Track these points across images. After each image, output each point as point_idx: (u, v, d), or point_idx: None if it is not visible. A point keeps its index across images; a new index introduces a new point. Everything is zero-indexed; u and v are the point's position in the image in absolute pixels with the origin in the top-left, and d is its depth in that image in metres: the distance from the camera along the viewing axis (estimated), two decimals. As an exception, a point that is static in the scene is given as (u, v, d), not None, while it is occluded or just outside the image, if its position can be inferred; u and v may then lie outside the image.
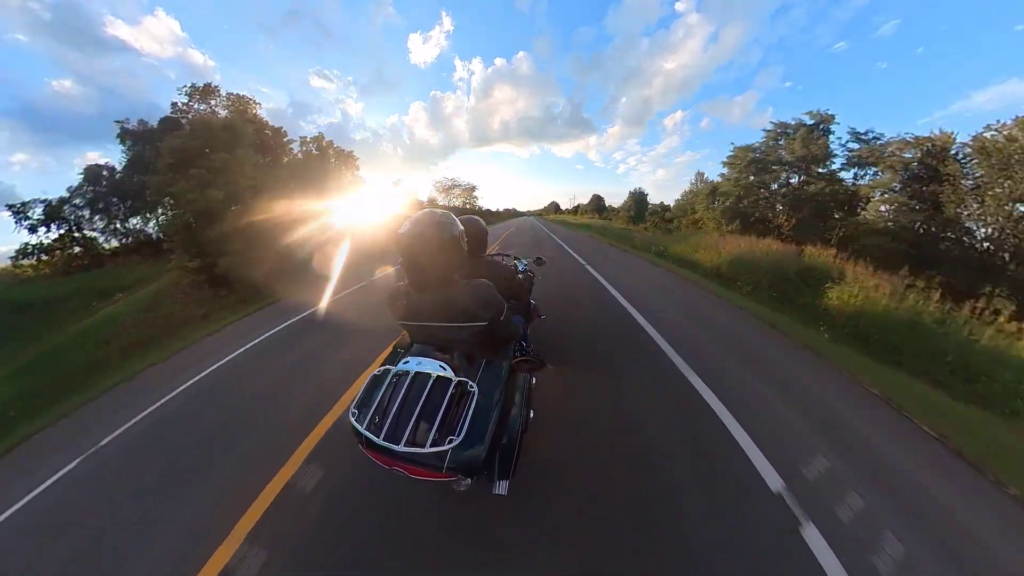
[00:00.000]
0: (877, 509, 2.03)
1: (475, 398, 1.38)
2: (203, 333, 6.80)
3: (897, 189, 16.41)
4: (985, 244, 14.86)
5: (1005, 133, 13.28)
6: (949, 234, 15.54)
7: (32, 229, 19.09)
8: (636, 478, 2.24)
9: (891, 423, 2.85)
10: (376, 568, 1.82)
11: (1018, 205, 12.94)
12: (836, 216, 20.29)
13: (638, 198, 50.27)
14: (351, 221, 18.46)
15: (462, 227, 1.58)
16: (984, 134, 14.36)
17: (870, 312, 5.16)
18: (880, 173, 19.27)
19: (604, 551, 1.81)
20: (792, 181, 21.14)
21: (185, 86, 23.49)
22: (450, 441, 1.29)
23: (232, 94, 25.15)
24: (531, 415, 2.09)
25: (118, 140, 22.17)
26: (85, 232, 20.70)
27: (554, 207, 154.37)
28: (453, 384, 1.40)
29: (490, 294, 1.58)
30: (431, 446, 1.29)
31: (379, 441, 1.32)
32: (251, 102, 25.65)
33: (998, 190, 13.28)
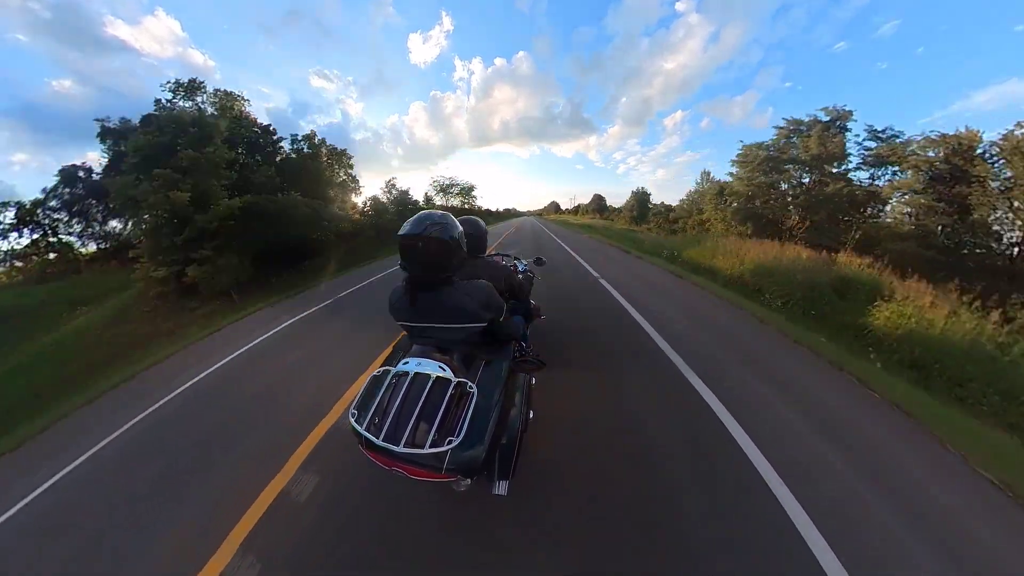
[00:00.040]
0: None
1: (474, 399, 1.37)
2: (164, 353, 6.03)
3: (921, 190, 15.30)
4: (1015, 249, 13.83)
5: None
6: (979, 239, 14.48)
7: (2, 234, 18.10)
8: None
9: (998, 508, 2.02)
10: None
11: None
12: (850, 218, 19.23)
13: (641, 198, 49.17)
14: (345, 222, 17.38)
15: (461, 228, 1.61)
16: (1016, 132, 13.33)
17: (924, 335, 4.37)
18: (899, 173, 18.22)
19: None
20: (804, 181, 20.07)
21: (169, 82, 22.45)
22: (449, 442, 1.28)
23: (219, 90, 24.10)
24: (531, 415, 2.13)
25: (98, 139, 21.19)
26: (61, 237, 19.69)
27: (554, 207, 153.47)
28: (453, 385, 1.38)
29: (489, 295, 1.64)
30: (430, 447, 1.28)
31: (378, 442, 1.31)
32: (239, 99, 24.57)
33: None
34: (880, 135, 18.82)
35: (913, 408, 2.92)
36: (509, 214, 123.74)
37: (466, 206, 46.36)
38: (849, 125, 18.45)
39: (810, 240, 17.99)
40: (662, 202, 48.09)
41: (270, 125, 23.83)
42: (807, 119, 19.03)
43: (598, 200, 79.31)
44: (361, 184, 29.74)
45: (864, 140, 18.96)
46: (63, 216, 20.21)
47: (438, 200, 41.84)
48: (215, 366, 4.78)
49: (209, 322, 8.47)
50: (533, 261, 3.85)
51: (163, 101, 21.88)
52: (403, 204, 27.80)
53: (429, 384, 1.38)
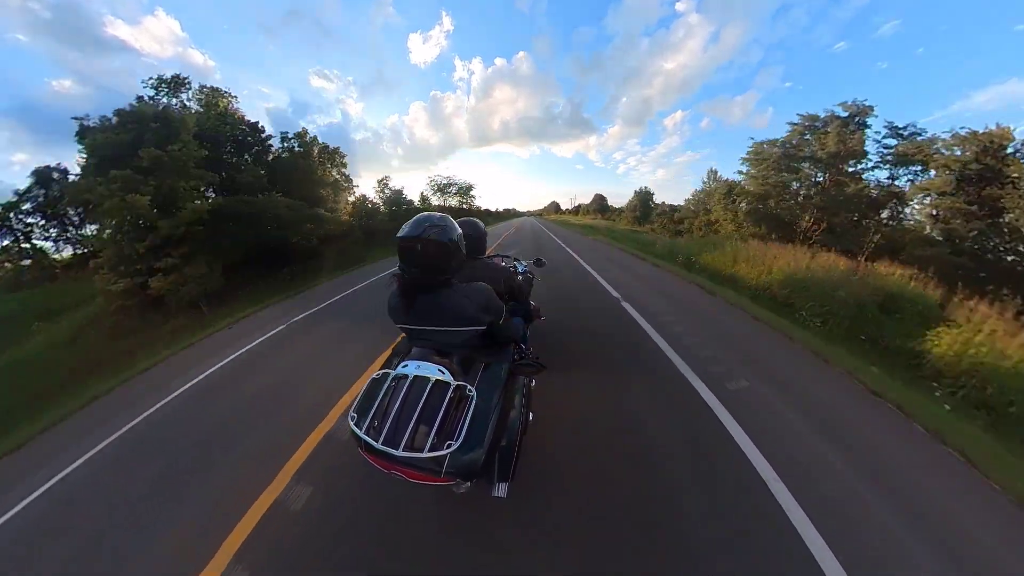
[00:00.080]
0: None
1: (474, 402, 1.36)
2: (117, 380, 5.34)
3: (952, 192, 14.21)
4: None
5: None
6: (1011, 244, 13.41)
7: (-29, 240, 17.11)
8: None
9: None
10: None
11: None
12: (868, 221, 18.15)
13: (644, 197, 48.05)
14: (331, 224, 16.29)
15: (460, 230, 1.59)
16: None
17: (994, 368, 3.59)
18: (922, 173, 17.15)
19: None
20: (818, 180, 18.99)
21: (151, 78, 21.42)
22: (448, 445, 1.27)
23: (205, 86, 23.07)
24: (530, 417, 2.12)
25: (76, 139, 20.14)
26: (35, 242, 18.69)
27: (554, 207, 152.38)
28: (452, 388, 1.38)
29: (489, 297, 1.63)
30: (429, 450, 1.27)
31: (378, 445, 1.30)
32: (226, 95, 23.53)
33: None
34: (901, 132, 17.75)
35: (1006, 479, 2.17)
36: (509, 214, 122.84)
37: (464, 206, 45.28)
38: (868, 121, 17.35)
39: (826, 244, 16.98)
40: (663, 202, 47.13)
41: (258, 122, 22.77)
42: (824, 115, 17.95)
43: (599, 200, 78.05)
44: (356, 184, 28.79)
45: (884, 137, 17.91)
46: (37, 220, 19.17)
47: (435, 200, 40.75)
48: (153, 407, 3.99)
49: (174, 339, 7.71)
50: (533, 262, 3.81)
51: (146, 98, 20.91)
52: (397, 204, 26.77)
53: (428, 387, 1.37)
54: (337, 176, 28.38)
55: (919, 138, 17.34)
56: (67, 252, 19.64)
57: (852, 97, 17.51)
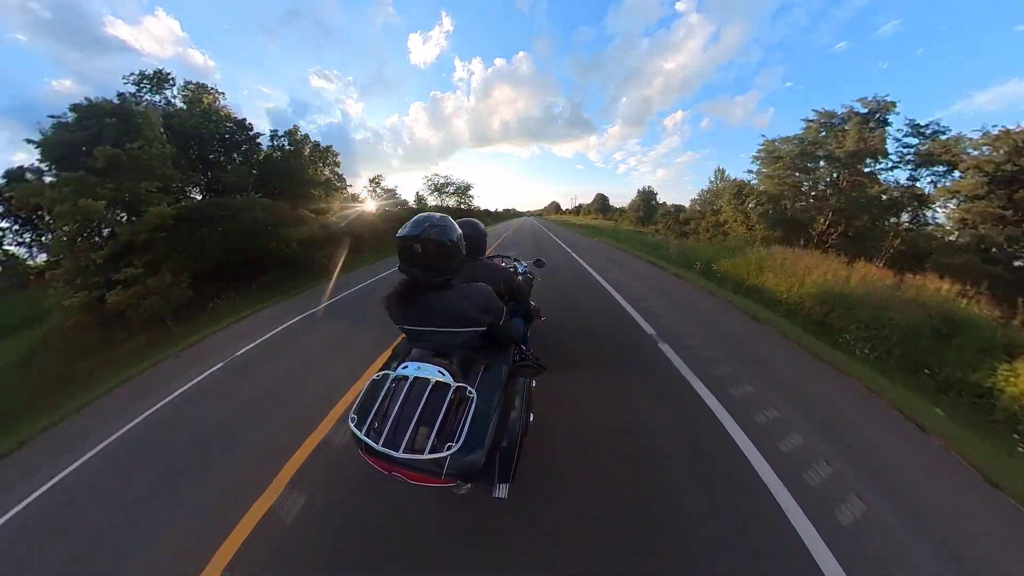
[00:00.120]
0: None
1: (474, 403, 1.36)
2: (73, 406, 4.71)
3: (984, 194, 13.19)
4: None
5: None
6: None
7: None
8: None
9: None
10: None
11: None
12: (888, 224, 17.16)
13: (647, 197, 46.99)
14: (314, 226, 15.20)
15: (460, 230, 1.59)
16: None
17: None
18: (946, 174, 16.17)
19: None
20: (835, 180, 17.98)
21: (132, 74, 20.43)
22: (449, 447, 1.27)
23: (190, 83, 22.05)
24: (531, 418, 2.14)
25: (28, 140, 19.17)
26: (7, 248, 17.71)
27: (555, 207, 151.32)
28: (452, 389, 1.37)
29: (489, 298, 1.61)
30: (430, 452, 1.26)
31: (378, 447, 1.30)
32: (213, 91, 22.52)
33: None
34: (923, 130, 16.74)
35: None
36: (508, 214, 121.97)
37: (462, 206, 44.26)
38: (889, 118, 16.34)
39: (843, 248, 16.00)
40: (664, 202, 46.09)
41: (245, 119, 21.80)
42: (842, 111, 16.94)
43: (601, 200, 76.89)
44: (350, 183, 27.79)
45: (904, 136, 16.90)
46: (10, 224, 18.19)
47: (431, 200, 39.73)
48: (93, 451, 3.35)
49: (135, 358, 6.85)
50: (533, 262, 3.84)
51: (127, 95, 19.90)
52: (392, 204, 25.78)
53: (428, 388, 1.36)
54: (329, 175, 27.42)
55: (943, 137, 16.35)
56: (42, 258, 18.67)
57: (850, 97, 16.63)
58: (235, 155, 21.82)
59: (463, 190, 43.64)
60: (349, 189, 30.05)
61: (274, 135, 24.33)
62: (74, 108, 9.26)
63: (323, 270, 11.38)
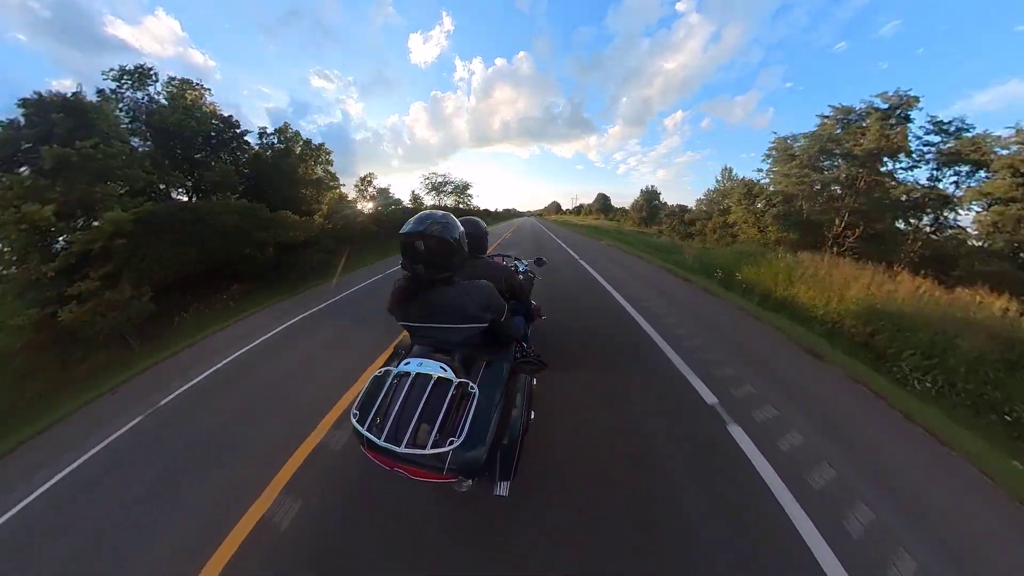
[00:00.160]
0: None
1: (476, 399, 1.36)
2: (29, 431, 4.17)
3: (1021, 196, 12.23)
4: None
5: None
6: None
7: None
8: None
9: None
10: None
11: None
12: (910, 227, 16.21)
13: (649, 197, 46.01)
14: (297, 230, 14.18)
15: (462, 228, 1.58)
16: None
17: None
18: (970, 174, 15.21)
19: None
20: (852, 180, 17.02)
21: (112, 69, 19.43)
22: (451, 443, 1.27)
23: (174, 78, 21.05)
24: (532, 416, 2.09)
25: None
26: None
27: (555, 207, 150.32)
28: (454, 385, 1.37)
29: (490, 295, 1.61)
30: (432, 448, 1.27)
31: (380, 443, 1.30)
32: (197, 87, 21.51)
33: None
34: (946, 128, 15.78)
35: None
36: (509, 214, 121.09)
37: (461, 206, 43.31)
38: (911, 114, 15.37)
39: (860, 252, 15.07)
40: (667, 202, 45.09)
41: (231, 116, 20.80)
42: (860, 106, 15.97)
43: (603, 200, 75.81)
44: (343, 182, 26.83)
45: (926, 133, 15.94)
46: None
47: (428, 200, 38.77)
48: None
49: (94, 381, 6.00)
50: (534, 261, 3.92)
51: (107, 91, 18.92)
52: (385, 204, 24.86)
53: (430, 385, 1.37)
54: (322, 174, 26.45)
55: (967, 134, 15.39)
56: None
57: (853, 97, 15.64)
58: (223, 154, 20.90)
59: (462, 189, 42.70)
60: (343, 188, 29.12)
61: (263, 132, 23.41)
62: (23, 103, 8.32)
63: (303, 278, 10.45)
